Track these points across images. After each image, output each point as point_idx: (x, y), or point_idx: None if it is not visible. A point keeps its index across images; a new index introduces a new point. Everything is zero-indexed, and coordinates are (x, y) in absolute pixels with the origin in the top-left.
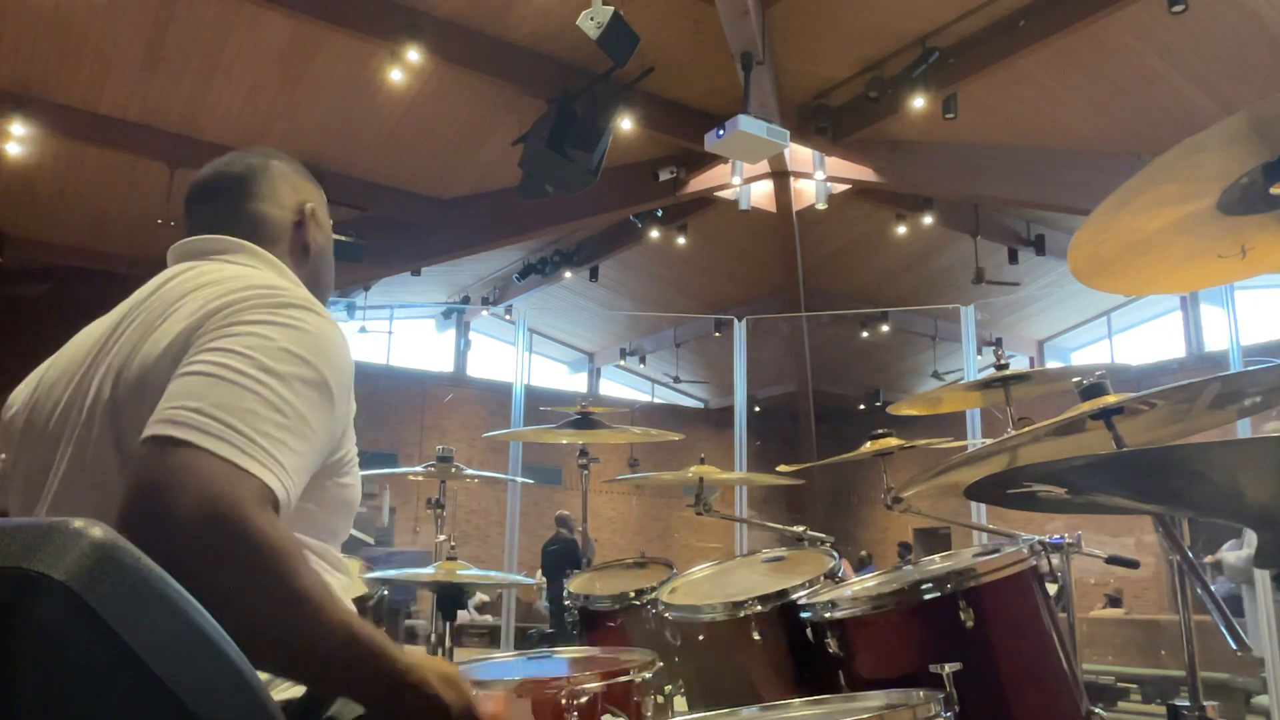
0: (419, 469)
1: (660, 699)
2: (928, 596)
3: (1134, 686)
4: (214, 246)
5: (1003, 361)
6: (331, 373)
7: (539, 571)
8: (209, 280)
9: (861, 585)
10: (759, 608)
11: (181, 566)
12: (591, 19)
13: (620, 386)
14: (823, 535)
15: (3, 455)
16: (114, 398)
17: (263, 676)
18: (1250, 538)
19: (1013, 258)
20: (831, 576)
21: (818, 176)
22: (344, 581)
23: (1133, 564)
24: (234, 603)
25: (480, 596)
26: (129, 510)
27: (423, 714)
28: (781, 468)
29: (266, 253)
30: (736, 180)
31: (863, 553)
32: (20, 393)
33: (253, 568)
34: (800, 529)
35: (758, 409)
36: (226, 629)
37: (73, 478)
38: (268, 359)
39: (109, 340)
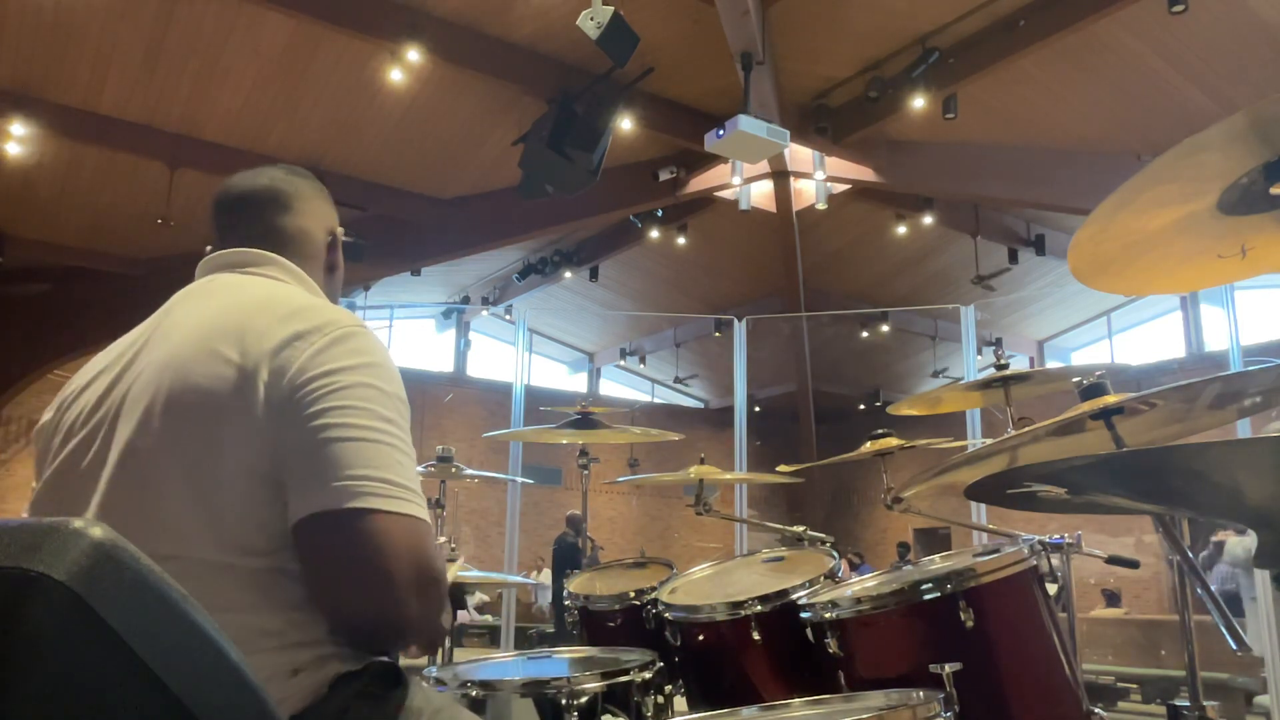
0: (419, 469)
1: (660, 699)
2: (928, 596)
3: (1134, 686)
4: (245, 259)
5: (1003, 361)
6: (400, 386)
7: (537, 572)
8: (251, 302)
9: (862, 585)
10: (759, 608)
11: (406, 609)
12: (591, 19)
13: (620, 386)
14: (822, 535)
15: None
16: (166, 410)
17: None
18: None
19: (1013, 258)
20: (831, 576)
21: (818, 176)
22: None
23: (1133, 564)
24: (431, 619)
25: (480, 596)
26: (352, 580)
27: None
28: (781, 468)
29: (297, 268)
30: (736, 180)
31: (853, 555)
32: (60, 397)
33: (441, 592)
34: (800, 529)
35: (758, 409)
36: (417, 637)
37: (121, 480)
38: (382, 408)
39: (145, 348)
